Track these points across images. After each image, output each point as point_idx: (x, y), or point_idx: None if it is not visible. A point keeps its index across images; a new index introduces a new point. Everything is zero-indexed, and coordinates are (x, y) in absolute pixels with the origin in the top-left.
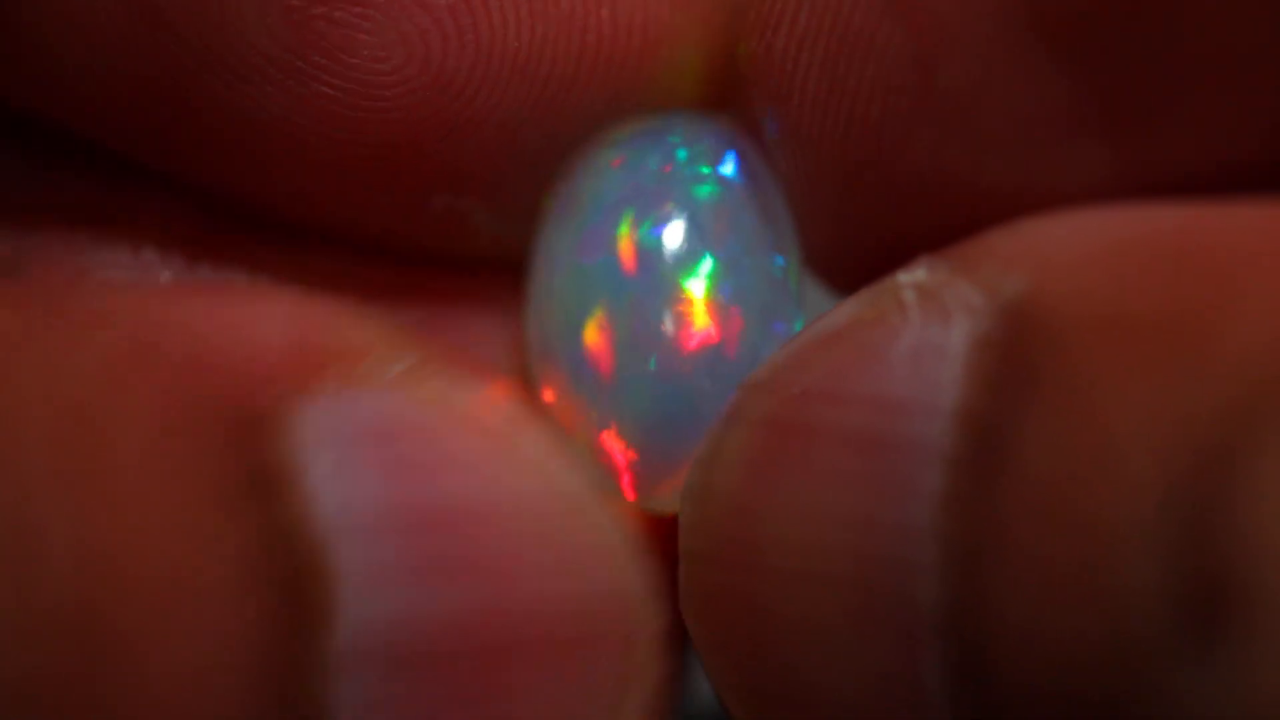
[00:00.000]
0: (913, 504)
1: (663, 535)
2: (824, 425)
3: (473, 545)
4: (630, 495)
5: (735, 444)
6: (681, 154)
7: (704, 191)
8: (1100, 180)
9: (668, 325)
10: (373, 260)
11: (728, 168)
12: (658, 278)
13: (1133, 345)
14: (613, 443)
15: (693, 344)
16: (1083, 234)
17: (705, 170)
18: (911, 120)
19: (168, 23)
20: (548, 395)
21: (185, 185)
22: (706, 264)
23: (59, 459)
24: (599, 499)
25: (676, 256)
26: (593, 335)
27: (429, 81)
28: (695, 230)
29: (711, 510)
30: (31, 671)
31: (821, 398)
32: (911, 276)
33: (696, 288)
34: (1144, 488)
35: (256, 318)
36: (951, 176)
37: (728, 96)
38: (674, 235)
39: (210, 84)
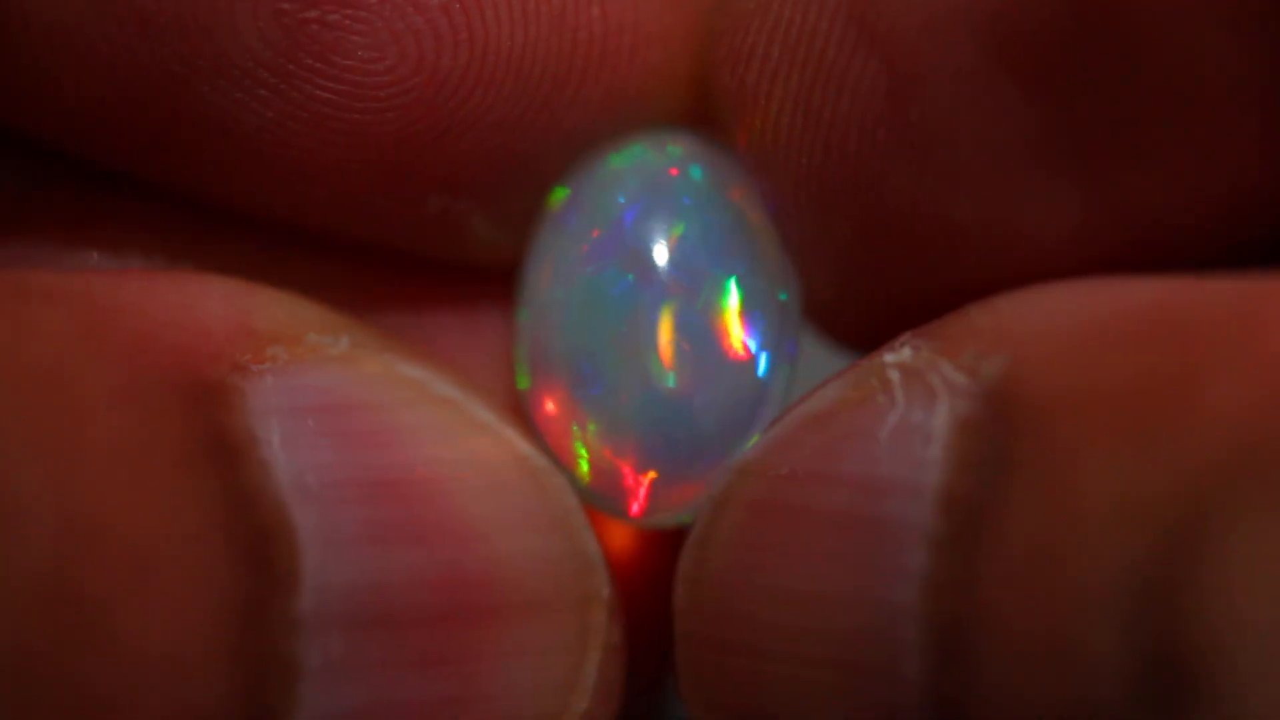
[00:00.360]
0: (899, 584)
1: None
2: (812, 506)
3: (429, 510)
4: (636, 512)
5: (727, 526)
6: (696, 172)
7: (721, 210)
8: (1073, 217)
9: (686, 342)
10: (362, 267)
11: (736, 189)
12: (676, 294)
13: (1103, 427)
14: (621, 459)
15: (710, 362)
16: (1060, 312)
17: (721, 190)
18: (887, 153)
19: (157, 29)
20: (548, 407)
21: (172, 192)
22: (721, 280)
23: (30, 426)
24: (551, 463)
25: (696, 273)
26: (605, 349)
27: (422, 83)
28: (714, 248)
29: (706, 593)
30: (11, 640)
31: (809, 479)
32: (897, 356)
33: (716, 305)
34: (1109, 569)
35: (200, 297)
36: (928, 210)
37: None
38: (693, 251)
39: (200, 89)
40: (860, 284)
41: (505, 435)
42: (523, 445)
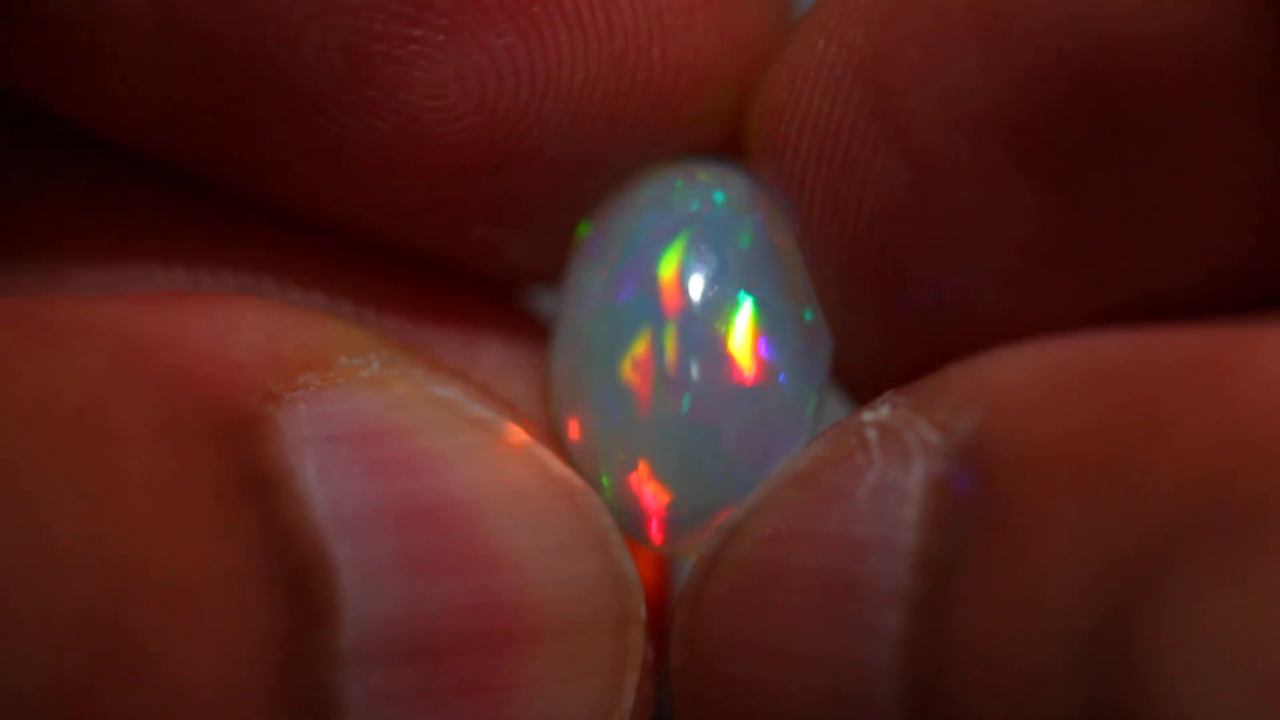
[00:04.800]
0: (876, 644)
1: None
2: (795, 566)
3: (465, 536)
4: (657, 539)
5: (716, 587)
6: (718, 196)
7: (741, 234)
8: (1091, 305)
9: (704, 367)
10: (401, 284)
11: (761, 216)
12: (695, 318)
13: (1063, 482)
14: (643, 485)
15: (729, 386)
16: (1033, 368)
17: (742, 215)
18: (910, 243)
19: (221, 52)
20: (573, 433)
21: (211, 193)
22: (745, 306)
23: (68, 464)
24: (585, 484)
25: (714, 298)
26: (626, 374)
27: (481, 121)
28: (732, 272)
29: (699, 652)
30: (52, 681)
31: (791, 539)
32: (875, 414)
33: (734, 330)
34: (1063, 627)
35: (231, 326)
36: (951, 300)
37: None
38: (711, 276)
39: (259, 111)
40: (879, 349)
41: (539, 456)
42: (557, 466)
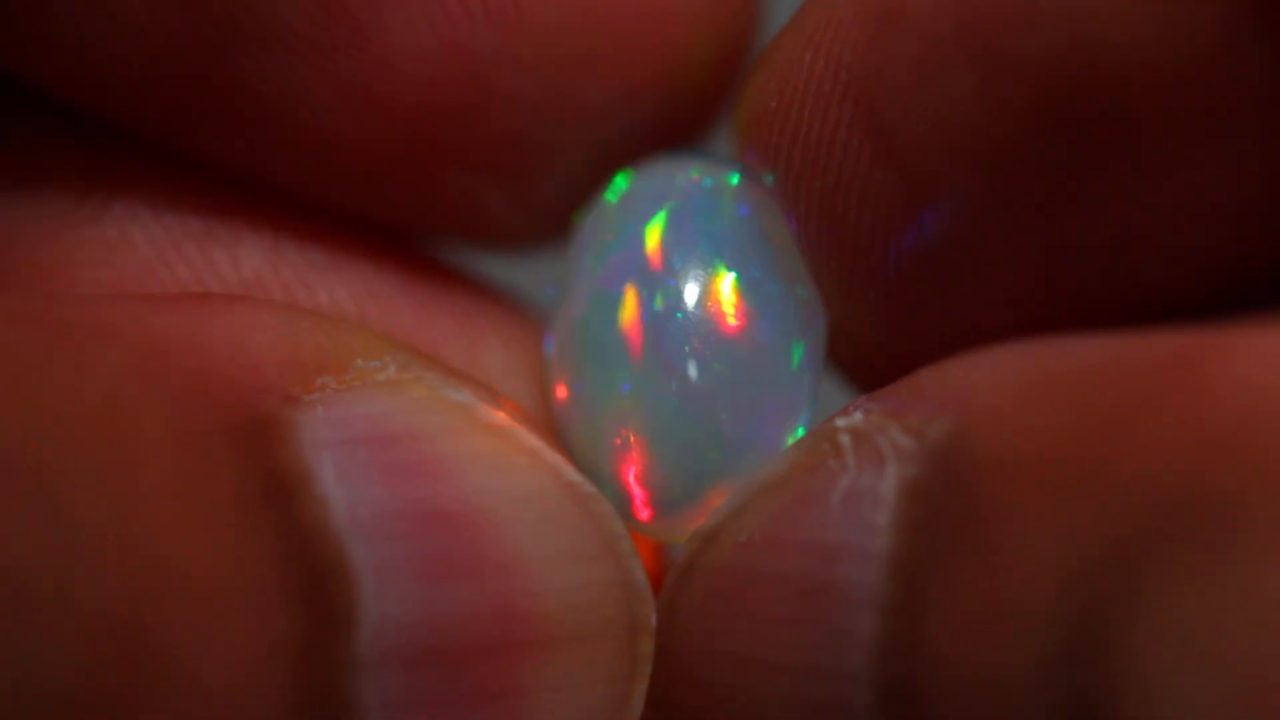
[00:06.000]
0: (849, 650)
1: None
2: (769, 573)
3: (481, 542)
4: (645, 517)
5: (692, 594)
6: (707, 182)
7: (727, 213)
8: (1073, 315)
9: (695, 343)
10: (392, 278)
11: (751, 201)
12: (683, 294)
13: (1034, 484)
14: (631, 464)
15: (721, 361)
16: (1004, 372)
17: (729, 196)
18: (907, 258)
19: None
20: (561, 409)
21: (198, 159)
22: (732, 280)
23: (92, 465)
24: (597, 490)
25: (700, 273)
26: (613, 356)
27: (451, 61)
28: (720, 248)
29: (674, 658)
30: (78, 681)
31: (764, 546)
32: (848, 421)
33: (725, 304)
34: (1035, 631)
35: (248, 329)
36: (945, 311)
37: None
38: (698, 251)
39: (234, 55)
40: (876, 338)
41: (552, 461)
42: (570, 471)
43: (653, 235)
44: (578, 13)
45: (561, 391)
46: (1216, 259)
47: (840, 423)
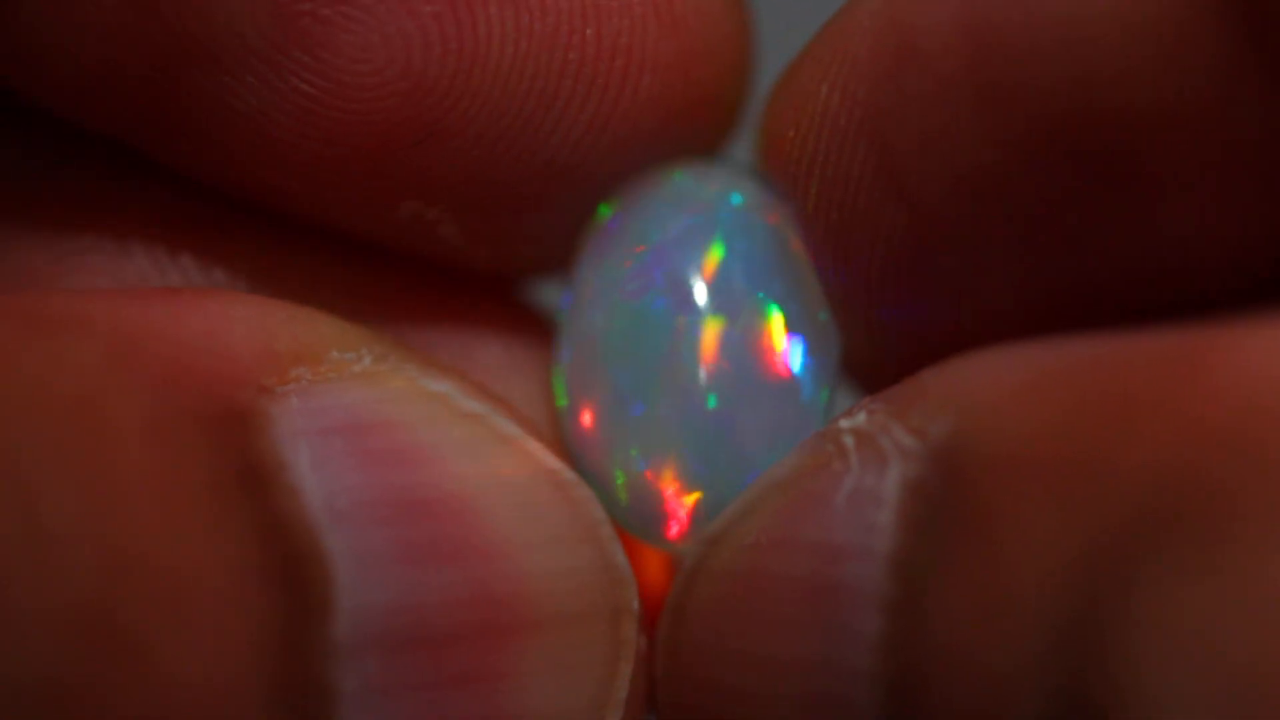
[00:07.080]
0: (854, 648)
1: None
2: (775, 573)
3: (459, 528)
4: (675, 535)
5: (698, 596)
6: (735, 199)
7: (763, 236)
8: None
9: (733, 365)
10: (365, 271)
11: (775, 215)
12: (714, 315)
13: (1033, 489)
14: (660, 481)
15: (756, 385)
16: (1004, 372)
17: (761, 217)
18: (919, 295)
19: (156, 9)
20: (586, 427)
21: (168, 172)
22: (761, 302)
23: (65, 456)
24: (577, 476)
25: (732, 295)
26: (643, 370)
27: (407, 87)
28: (759, 273)
29: (682, 661)
30: (50, 673)
31: (771, 547)
32: (852, 421)
33: (762, 329)
34: (1032, 628)
35: (223, 320)
36: (948, 336)
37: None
38: (729, 275)
39: (192, 70)
40: (886, 357)
41: (531, 449)
42: (549, 458)
43: (691, 254)
44: (537, 48)
45: (585, 404)
46: (1216, 286)
47: (844, 424)
